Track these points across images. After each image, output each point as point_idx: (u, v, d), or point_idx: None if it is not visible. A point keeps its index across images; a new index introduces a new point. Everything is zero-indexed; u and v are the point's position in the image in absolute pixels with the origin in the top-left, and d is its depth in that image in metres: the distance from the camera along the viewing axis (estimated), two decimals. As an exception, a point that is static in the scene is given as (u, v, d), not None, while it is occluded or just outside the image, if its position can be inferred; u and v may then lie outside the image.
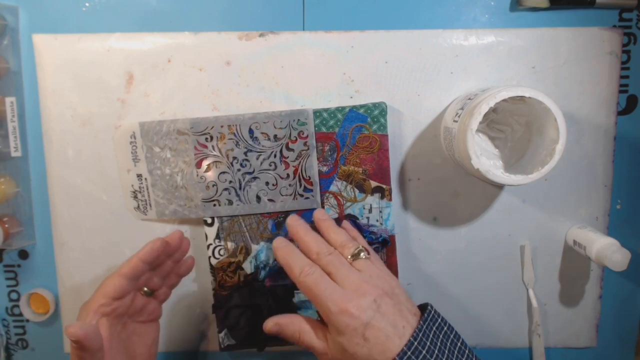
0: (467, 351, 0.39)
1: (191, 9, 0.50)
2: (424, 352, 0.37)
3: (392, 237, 0.50)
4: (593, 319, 0.54)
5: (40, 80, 0.50)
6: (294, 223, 0.45)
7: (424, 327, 0.38)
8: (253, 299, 0.50)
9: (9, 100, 0.50)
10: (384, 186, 0.49)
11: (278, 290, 0.50)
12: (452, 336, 0.39)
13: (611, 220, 0.52)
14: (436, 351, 0.37)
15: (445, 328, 0.40)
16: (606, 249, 0.46)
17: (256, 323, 0.50)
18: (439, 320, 0.40)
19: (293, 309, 0.50)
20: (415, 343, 0.37)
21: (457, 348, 0.39)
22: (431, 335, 0.38)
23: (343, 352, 0.39)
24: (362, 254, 0.42)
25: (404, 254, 0.52)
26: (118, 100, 0.50)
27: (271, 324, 0.43)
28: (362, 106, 0.48)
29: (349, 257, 0.42)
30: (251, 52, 0.49)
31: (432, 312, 0.40)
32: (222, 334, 0.51)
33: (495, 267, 0.53)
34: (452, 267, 0.52)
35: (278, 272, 0.50)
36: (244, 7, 0.50)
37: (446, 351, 0.38)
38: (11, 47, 0.50)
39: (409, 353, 0.36)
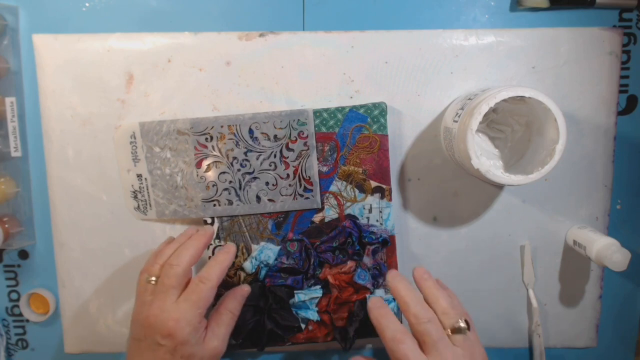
0: None
1: (191, 9, 0.50)
2: None
3: (392, 237, 0.50)
4: (593, 319, 0.54)
5: (40, 80, 0.50)
6: (394, 279, 0.44)
7: None
8: (253, 299, 0.50)
9: (9, 100, 0.50)
10: (384, 186, 0.49)
11: (278, 290, 0.50)
12: None
13: (611, 220, 0.52)
14: None
15: None
16: (606, 249, 0.46)
17: (256, 323, 0.50)
18: None
19: (293, 309, 0.50)
20: None
21: None
22: None
23: None
24: (463, 327, 0.40)
25: (404, 254, 0.52)
26: (118, 100, 0.50)
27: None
28: (362, 106, 0.48)
29: (449, 328, 0.40)
30: (251, 52, 0.49)
31: None
32: (222, 334, 0.51)
33: (495, 267, 0.53)
34: (452, 267, 0.52)
35: (278, 272, 0.50)
36: (244, 7, 0.50)
37: None
38: (11, 47, 0.50)
39: None
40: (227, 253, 0.47)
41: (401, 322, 0.42)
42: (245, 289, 0.48)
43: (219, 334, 0.44)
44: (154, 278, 0.43)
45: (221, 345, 0.44)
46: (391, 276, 0.45)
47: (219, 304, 0.46)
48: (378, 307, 0.43)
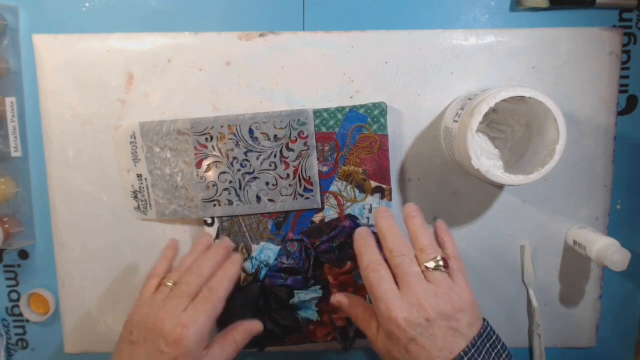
0: None
1: (191, 9, 0.50)
2: None
3: (392, 237, 0.50)
4: (593, 319, 0.54)
5: (40, 80, 0.50)
6: (381, 215, 0.44)
7: (478, 342, 0.38)
8: (253, 299, 0.50)
9: (9, 100, 0.50)
10: (384, 186, 0.49)
11: (278, 290, 0.50)
12: (504, 355, 0.39)
13: (611, 220, 0.52)
14: None
15: (499, 346, 0.39)
16: (606, 249, 0.46)
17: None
18: (493, 337, 0.39)
19: (293, 309, 0.51)
20: (466, 358, 0.37)
21: (503, 358, 0.38)
22: (483, 352, 0.38)
23: (387, 352, 0.39)
24: (439, 265, 0.40)
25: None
26: (118, 100, 0.50)
27: (335, 300, 0.45)
28: (362, 106, 0.48)
29: (425, 264, 0.40)
30: (251, 52, 0.49)
31: (488, 328, 0.39)
32: (222, 334, 0.51)
33: (495, 267, 0.53)
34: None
35: (278, 272, 0.50)
36: (244, 7, 0.50)
37: None
38: (11, 47, 0.50)
39: None
40: (233, 264, 0.46)
41: None
42: (257, 327, 0.46)
43: (219, 357, 0.43)
44: (171, 283, 0.43)
45: None
46: (378, 211, 0.44)
47: (227, 330, 0.45)
48: (363, 237, 0.44)
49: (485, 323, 0.39)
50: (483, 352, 0.38)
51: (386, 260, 0.41)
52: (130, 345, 0.41)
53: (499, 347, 0.39)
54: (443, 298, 0.38)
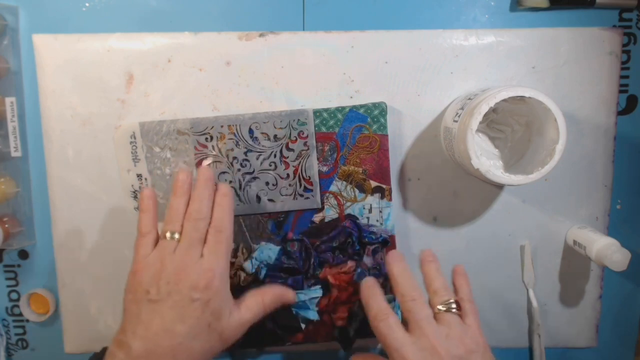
0: None
1: (191, 9, 0.50)
2: None
3: (392, 237, 0.50)
4: (593, 319, 0.54)
5: (40, 80, 0.50)
6: (393, 259, 0.43)
7: None
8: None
9: (9, 100, 0.50)
10: (384, 186, 0.49)
11: (278, 290, 0.50)
12: None
13: (611, 220, 0.52)
14: None
15: None
16: (606, 249, 0.46)
17: (256, 323, 0.50)
18: None
19: (293, 309, 0.50)
20: None
21: None
22: None
23: None
24: (451, 306, 0.40)
25: (404, 254, 0.51)
26: (118, 100, 0.50)
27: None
28: (362, 106, 0.48)
29: (437, 306, 0.40)
30: (251, 52, 0.49)
31: None
32: (222, 334, 0.51)
33: (495, 267, 0.53)
34: (452, 267, 0.52)
35: (278, 272, 0.50)
36: (244, 7, 0.50)
37: None
38: (11, 47, 0.50)
39: None
40: (226, 196, 0.44)
41: None
42: (290, 296, 0.46)
43: (243, 317, 0.42)
44: (172, 234, 0.42)
45: (240, 328, 0.42)
46: (389, 255, 0.44)
47: (255, 290, 0.44)
48: (368, 286, 0.43)
49: None
50: None
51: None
52: (151, 304, 0.39)
53: None
54: (455, 340, 0.38)
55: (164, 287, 0.39)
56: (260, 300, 0.44)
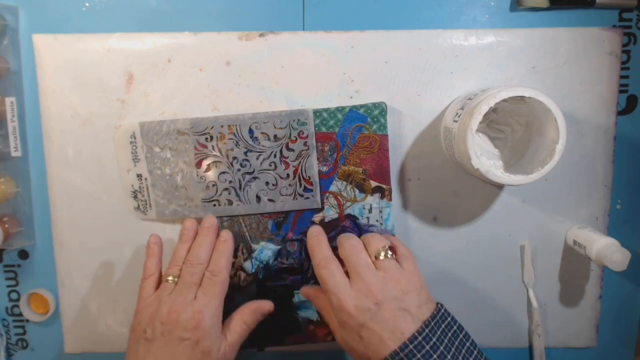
0: (475, 351, 0.39)
1: (191, 9, 0.50)
2: (427, 347, 0.37)
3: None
4: (593, 319, 0.54)
5: (40, 80, 0.50)
6: (312, 234, 0.47)
7: (432, 323, 0.39)
8: (253, 299, 0.50)
9: (9, 100, 0.50)
10: (384, 186, 0.49)
11: (278, 290, 0.50)
12: (461, 335, 0.40)
13: (611, 220, 0.52)
14: (442, 347, 0.38)
15: (455, 327, 0.40)
16: (606, 249, 0.46)
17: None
18: (449, 319, 0.40)
19: (293, 309, 0.51)
20: (420, 338, 0.37)
21: (465, 347, 0.39)
22: (439, 332, 0.38)
23: (345, 342, 0.41)
24: (387, 252, 0.42)
25: (404, 254, 0.52)
26: (118, 100, 0.50)
27: (304, 292, 0.48)
28: (362, 106, 0.48)
29: (374, 255, 0.43)
30: (251, 52, 0.49)
31: (442, 310, 0.40)
32: (222, 334, 0.51)
33: (495, 267, 0.53)
34: (452, 267, 0.52)
35: (278, 272, 0.50)
36: (244, 7, 0.50)
37: (453, 349, 0.38)
38: (11, 47, 0.50)
39: (401, 354, 0.37)
40: (225, 242, 0.47)
41: None
42: (267, 307, 0.48)
43: (231, 341, 0.44)
44: (173, 278, 0.45)
45: (231, 353, 0.44)
46: (310, 232, 0.47)
47: (235, 313, 0.47)
48: (314, 235, 0.46)
49: (439, 306, 0.41)
50: (438, 333, 0.38)
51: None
52: (146, 343, 0.42)
53: (455, 328, 0.40)
54: (391, 282, 0.40)
55: (158, 327, 0.42)
56: (241, 320, 0.46)
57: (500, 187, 0.51)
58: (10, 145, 0.51)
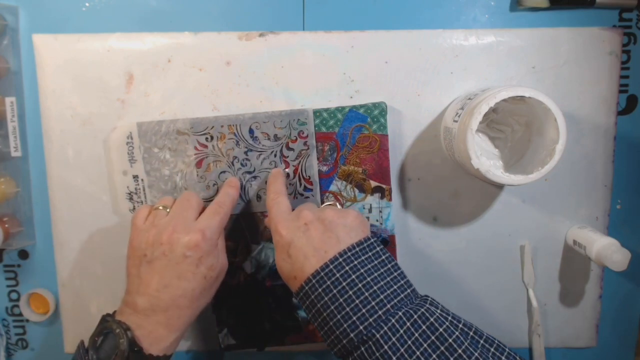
0: (402, 281, 0.39)
1: (191, 9, 0.50)
2: (347, 267, 0.38)
3: (392, 237, 0.50)
4: (593, 319, 0.54)
5: (40, 80, 0.50)
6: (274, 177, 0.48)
7: (357, 248, 0.40)
8: (253, 299, 0.50)
9: (9, 100, 0.50)
10: (384, 186, 0.49)
11: (278, 290, 0.50)
12: (389, 265, 0.40)
13: (611, 220, 0.52)
14: (362, 270, 0.38)
15: (384, 257, 0.40)
16: (606, 249, 0.46)
17: (256, 323, 0.50)
18: (377, 249, 0.40)
19: (293, 309, 0.51)
20: (341, 259, 0.38)
21: (391, 276, 0.39)
22: (362, 257, 0.39)
23: (280, 268, 0.42)
24: (331, 200, 0.48)
25: (404, 254, 0.52)
26: (118, 100, 0.50)
27: (266, 221, 0.47)
28: (362, 106, 0.48)
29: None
30: (251, 52, 0.49)
31: (371, 241, 0.41)
32: (222, 334, 0.51)
33: (495, 267, 0.53)
34: (452, 267, 0.52)
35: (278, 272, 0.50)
36: (244, 7, 0.50)
37: (375, 273, 0.38)
38: (11, 47, 0.50)
39: (322, 274, 0.38)
40: (233, 187, 0.48)
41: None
42: (233, 182, 0.48)
43: (221, 246, 0.45)
44: (165, 207, 0.45)
45: (224, 258, 0.45)
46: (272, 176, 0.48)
47: (214, 209, 0.45)
48: (273, 174, 0.48)
49: (372, 239, 0.41)
50: (362, 257, 0.39)
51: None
52: (149, 265, 0.42)
53: (383, 257, 0.40)
54: (323, 212, 0.42)
55: (158, 247, 0.42)
56: (220, 218, 0.45)
57: (500, 187, 0.51)
58: (10, 145, 0.51)
